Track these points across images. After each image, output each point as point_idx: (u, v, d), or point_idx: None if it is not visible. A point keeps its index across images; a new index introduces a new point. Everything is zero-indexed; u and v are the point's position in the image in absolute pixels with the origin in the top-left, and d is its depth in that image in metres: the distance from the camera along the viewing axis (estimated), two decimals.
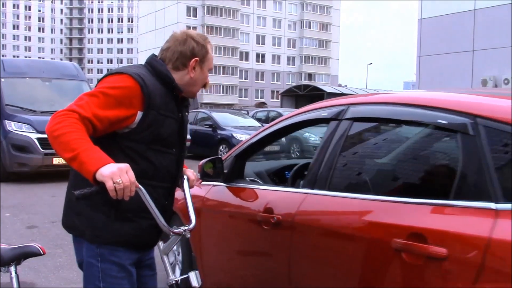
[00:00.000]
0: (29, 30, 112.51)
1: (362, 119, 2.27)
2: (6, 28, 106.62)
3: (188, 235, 1.96)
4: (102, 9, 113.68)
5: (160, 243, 2.04)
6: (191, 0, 62.97)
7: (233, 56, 65.73)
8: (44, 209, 6.83)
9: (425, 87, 16.93)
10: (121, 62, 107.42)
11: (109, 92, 1.80)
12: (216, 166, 2.80)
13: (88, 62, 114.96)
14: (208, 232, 2.95)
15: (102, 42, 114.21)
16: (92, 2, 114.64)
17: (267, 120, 18.52)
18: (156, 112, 1.88)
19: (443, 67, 16.18)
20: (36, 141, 9.06)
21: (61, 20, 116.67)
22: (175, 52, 1.98)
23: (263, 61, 70.13)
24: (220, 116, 14.86)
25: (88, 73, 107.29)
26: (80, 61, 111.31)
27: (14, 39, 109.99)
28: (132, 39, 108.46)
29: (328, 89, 37.09)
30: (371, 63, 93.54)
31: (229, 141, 13.09)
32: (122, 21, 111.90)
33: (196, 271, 1.99)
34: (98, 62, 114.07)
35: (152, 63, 1.98)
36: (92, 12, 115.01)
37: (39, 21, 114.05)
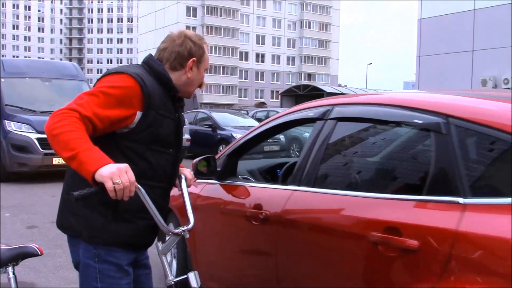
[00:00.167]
0: (29, 30, 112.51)
1: (345, 119, 2.37)
2: (5, 28, 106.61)
3: (187, 236, 1.96)
4: (101, 9, 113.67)
5: (159, 244, 2.04)
6: (191, 0, 62.96)
7: (233, 56, 65.72)
8: (44, 209, 6.83)
9: (425, 87, 16.93)
10: (121, 62, 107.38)
11: (109, 91, 1.79)
12: (209, 164, 2.86)
13: (88, 62, 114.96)
14: (201, 228, 2.98)
15: (101, 42, 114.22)
16: (91, 2, 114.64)
17: None
18: (155, 112, 1.88)
19: (443, 67, 16.18)
20: (35, 141, 9.07)
21: (61, 20, 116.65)
22: (172, 52, 1.97)
23: (262, 61, 70.12)
24: (220, 116, 14.86)
25: (88, 73, 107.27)
26: (79, 61, 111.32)
27: (13, 39, 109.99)
28: (131, 39, 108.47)
29: (328, 89, 37.08)
30: (371, 63, 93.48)
31: (229, 141, 13.08)
32: (121, 21, 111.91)
33: (195, 272, 1.99)
34: (97, 62, 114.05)
35: (149, 63, 1.98)
36: (91, 12, 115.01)
37: (39, 21, 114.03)
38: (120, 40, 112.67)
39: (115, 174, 1.58)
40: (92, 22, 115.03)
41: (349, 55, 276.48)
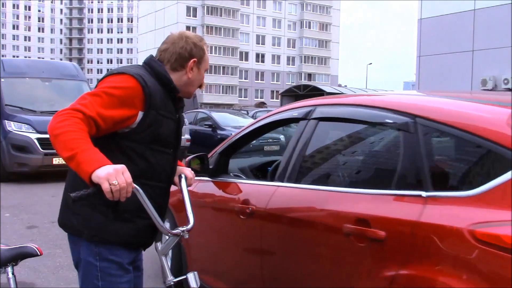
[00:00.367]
0: (29, 30, 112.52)
1: (325, 119, 2.52)
2: (6, 28, 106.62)
3: (186, 236, 1.96)
4: (101, 9, 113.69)
5: (158, 244, 2.04)
6: (191, 0, 62.97)
7: (233, 56, 65.72)
8: (44, 209, 6.83)
9: (425, 87, 16.92)
10: (121, 62, 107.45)
11: (112, 92, 1.80)
12: (202, 162, 2.94)
13: (88, 62, 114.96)
14: (195, 223, 3.08)
15: (102, 42, 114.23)
16: (92, 2, 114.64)
17: None
18: (156, 112, 1.89)
19: (443, 67, 16.17)
20: (35, 141, 9.07)
21: (61, 20, 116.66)
22: (173, 53, 1.99)
23: (263, 61, 70.13)
24: (220, 116, 14.84)
25: (88, 73, 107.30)
26: (79, 61, 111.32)
27: (14, 39, 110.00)
28: (132, 39, 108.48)
29: (327, 89, 37.04)
30: (371, 63, 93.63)
31: None
32: (122, 21, 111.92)
33: (195, 272, 1.99)
34: (98, 62, 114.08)
35: (150, 63, 1.99)
36: (92, 12, 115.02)
37: (39, 21, 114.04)
38: (120, 40, 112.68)
39: (112, 175, 1.58)
40: (92, 22, 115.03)
41: (349, 55, 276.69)
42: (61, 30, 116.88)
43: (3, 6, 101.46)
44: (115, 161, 1.65)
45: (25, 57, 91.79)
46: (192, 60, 2.00)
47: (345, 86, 62.28)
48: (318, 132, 2.52)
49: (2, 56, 74.51)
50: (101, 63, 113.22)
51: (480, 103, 2.02)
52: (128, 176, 1.63)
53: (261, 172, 3.50)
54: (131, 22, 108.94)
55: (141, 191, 1.76)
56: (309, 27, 72.51)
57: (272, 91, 69.76)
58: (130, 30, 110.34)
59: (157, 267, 4.16)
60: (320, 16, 73.39)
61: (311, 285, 2.23)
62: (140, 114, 1.86)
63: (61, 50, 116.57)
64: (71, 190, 1.71)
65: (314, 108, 2.58)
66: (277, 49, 71.20)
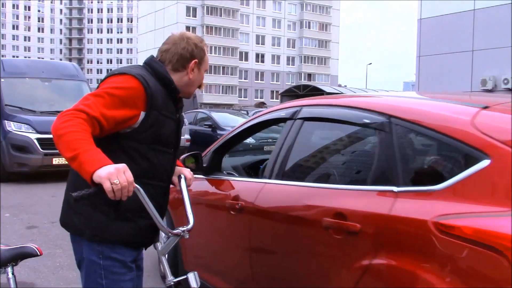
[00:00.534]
0: (29, 30, 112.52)
1: (310, 119, 2.63)
2: (5, 28, 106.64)
3: (187, 236, 1.97)
4: (101, 9, 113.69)
5: (158, 244, 2.04)
6: (190, 0, 62.97)
7: (233, 56, 65.73)
8: (44, 209, 6.83)
9: (425, 87, 16.92)
10: (121, 62, 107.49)
11: (114, 92, 1.81)
12: (197, 160, 2.99)
13: (88, 62, 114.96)
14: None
15: (101, 42, 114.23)
16: (91, 2, 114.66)
17: None
18: (158, 113, 1.91)
19: (443, 67, 16.16)
20: (35, 141, 9.08)
21: (61, 20, 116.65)
22: (175, 54, 2.00)
23: (262, 61, 70.14)
24: (219, 116, 14.84)
25: (88, 73, 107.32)
26: (79, 61, 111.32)
27: (13, 39, 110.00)
28: (131, 39, 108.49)
29: (327, 89, 37.04)
30: (371, 63, 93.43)
31: None
32: (121, 21, 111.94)
33: (195, 272, 2.00)
34: (97, 62, 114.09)
35: (151, 64, 2.00)
36: (91, 12, 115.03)
37: (39, 21, 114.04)
38: (120, 40, 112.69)
39: (113, 175, 1.59)
40: (92, 22, 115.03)
41: (349, 55, 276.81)
42: (60, 30, 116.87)
43: (3, 6, 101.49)
44: (117, 161, 1.66)
45: (25, 57, 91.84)
46: (193, 61, 2.02)
47: (345, 86, 62.27)
48: (303, 132, 2.63)
49: (2, 56, 74.57)
50: (101, 63, 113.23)
51: (452, 103, 2.12)
52: (129, 175, 1.64)
53: (254, 170, 3.59)
54: (131, 22, 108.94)
55: (142, 190, 1.76)
56: (309, 27, 72.51)
57: (272, 91, 69.76)
58: (130, 30, 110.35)
59: (157, 267, 4.16)
60: (320, 16, 73.39)
61: (296, 276, 2.36)
62: (142, 114, 1.87)
63: (60, 50, 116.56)
64: (73, 190, 1.72)
65: (300, 108, 2.70)
66: (277, 49, 71.21)
